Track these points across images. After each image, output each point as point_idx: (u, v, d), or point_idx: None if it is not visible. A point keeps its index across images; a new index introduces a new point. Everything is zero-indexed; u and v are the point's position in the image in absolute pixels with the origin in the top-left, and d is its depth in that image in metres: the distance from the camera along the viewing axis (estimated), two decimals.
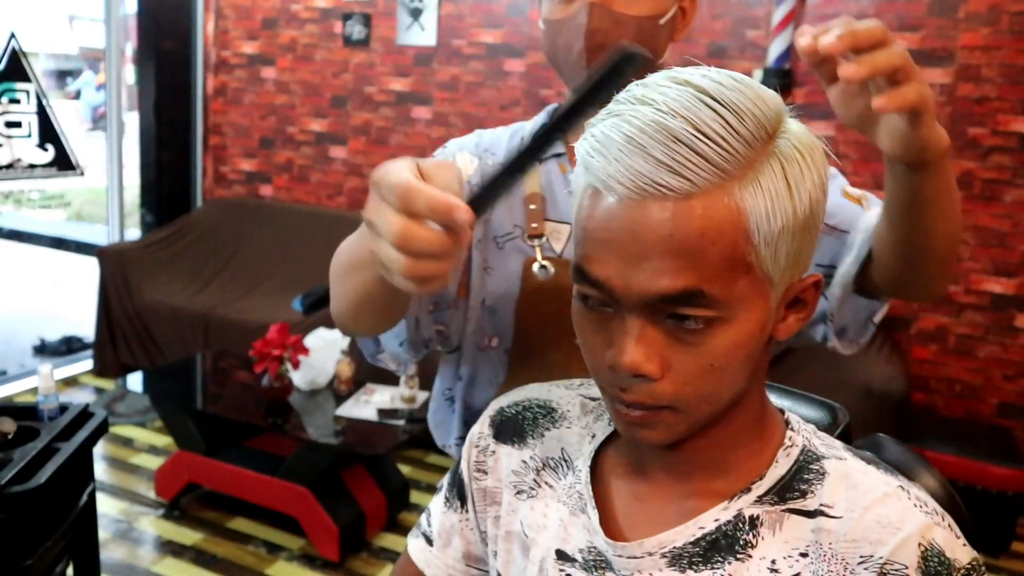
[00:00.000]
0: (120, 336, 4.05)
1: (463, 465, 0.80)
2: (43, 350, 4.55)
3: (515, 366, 1.04)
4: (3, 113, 3.47)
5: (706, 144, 0.53)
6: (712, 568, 0.62)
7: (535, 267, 0.99)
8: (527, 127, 1.09)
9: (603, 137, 0.56)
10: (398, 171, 0.55)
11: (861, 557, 0.58)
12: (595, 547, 0.67)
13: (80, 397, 3.87)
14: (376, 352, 1.02)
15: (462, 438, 1.10)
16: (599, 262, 0.57)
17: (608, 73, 0.59)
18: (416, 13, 4.16)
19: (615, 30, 0.94)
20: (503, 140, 1.07)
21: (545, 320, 1.01)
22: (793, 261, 0.58)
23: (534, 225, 1.01)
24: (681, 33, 1.03)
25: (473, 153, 1.05)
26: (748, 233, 0.55)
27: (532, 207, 1.02)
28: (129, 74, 4.86)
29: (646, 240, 0.54)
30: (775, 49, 3.41)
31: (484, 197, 0.60)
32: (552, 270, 0.99)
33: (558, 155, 1.04)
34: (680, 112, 0.54)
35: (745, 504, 0.63)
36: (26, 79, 3.53)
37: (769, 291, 0.58)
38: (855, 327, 0.96)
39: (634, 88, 0.58)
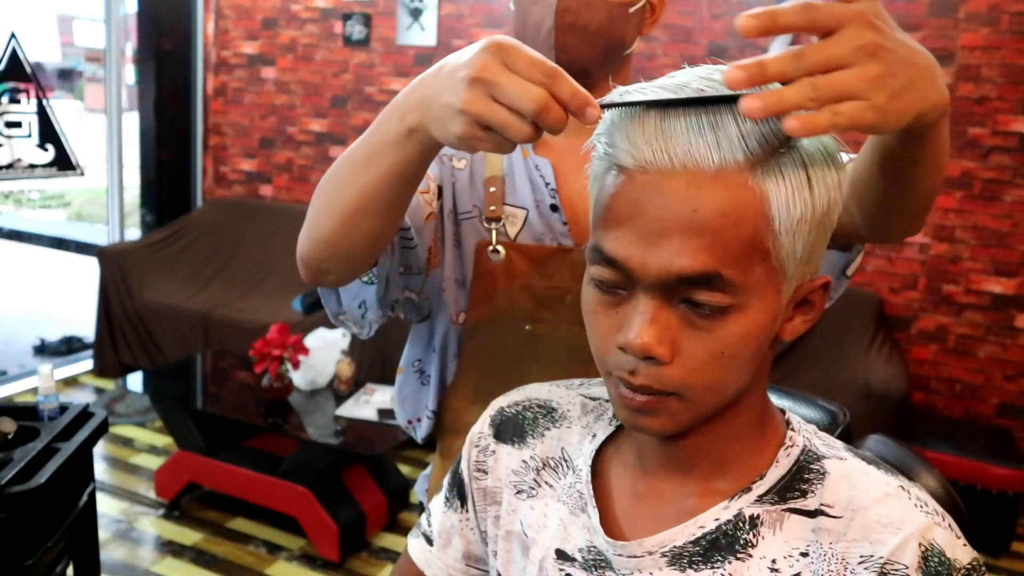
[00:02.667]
0: (120, 336, 4.05)
1: (463, 465, 0.80)
2: (43, 350, 4.56)
3: (468, 345, 1.04)
4: (3, 113, 3.47)
5: (734, 126, 0.54)
6: (712, 567, 0.62)
7: (488, 250, 1.00)
8: None
9: (632, 115, 0.57)
10: (530, 50, 0.61)
11: (861, 557, 0.58)
12: (595, 546, 0.67)
13: (80, 397, 3.87)
14: (339, 312, 0.97)
15: (435, 412, 1.10)
16: (618, 240, 0.57)
17: None
18: (416, 13, 4.16)
19: (585, 11, 0.95)
20: None
21: (495, 304, 1.01)
22: (807, 257, 0.58)
23: (492, 208, 1.01)
24: (650, 28, 1.03)
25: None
26: (768, 219, 0.55)
27: (492, 189, 1.02)
28: (129, 74, 4.86)
29: (669, 217, 0.55)
30: (775, 49, 3.41)
31: (612, 106, 0.62)
32: (503, 254, 0.99)
33: None
34: (708, 96, 0.55)
35: (745, 503, 0.63)
36: (26, 79, 3.53)
37: (782, 284, 0.58)
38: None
39: (663, 78, 0.60)
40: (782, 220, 0.56)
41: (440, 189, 1.02)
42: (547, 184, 1.02)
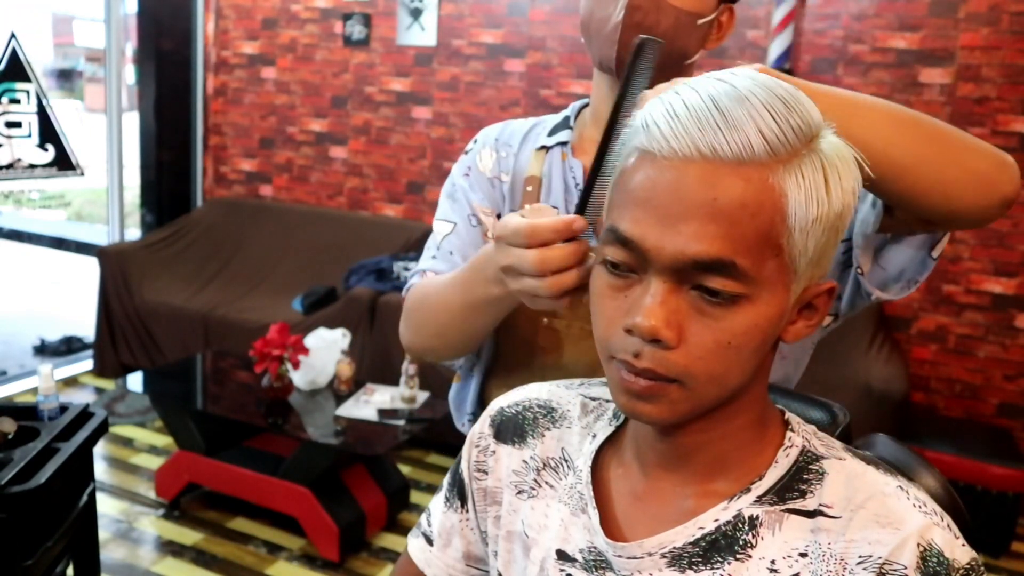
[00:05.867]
0: (120, 336, 4.05)
1: (463, 465, 0.80)
2: (43, 350, 4.56)
3: (496, 343, 1.09)
4: (3, 113, 3.47)
5: (760, 121, 0.55)
6: (712, 568, 0.62)
7: None
8: (548, 121, 1.13)
9: (660, 106, 0.58)
10: (514, 221, 0.78)
11: (860, 557, 0.58)
12: (595, 547, 0.67)
13: (80, 397, 3.87)
14: None
15: (475, 414, 1.14)
16: (635, 221, 0.58)
17: (633, 61, 0.73)
18: (416, 13, 4.16)
19: (655, 13, 0.96)
20: (522, 131, 1.12)
21: None
22: (817, 259, 0.59)
23: (526, 207, 1.04)
24: (714, 43, 1.05)
25: (493, 148, 1.12)
26: (784, 216, 0.56)
27: (528, 189, 1.07)
28: (129, 74, 4.86)
29: (688, 201, 0.55)
30: (775, 49, 3.42)
31: (584, 202, 0.77)
32: None
33: (563, 143, 1.09)
34: (738, 92, 0.56)
35: (745, 504, 0.63)
36: (26, 79, 3.53)
37: (792, 282, 0.59)
38: (913, 266, 0.91)
39: (692, 77, 0.61)
40: (798, 218, 0.56)
41: (499, 216, 1.09)
42: (577, 186, 1.05)
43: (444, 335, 1.00)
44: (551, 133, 1.10)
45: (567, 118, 1.12)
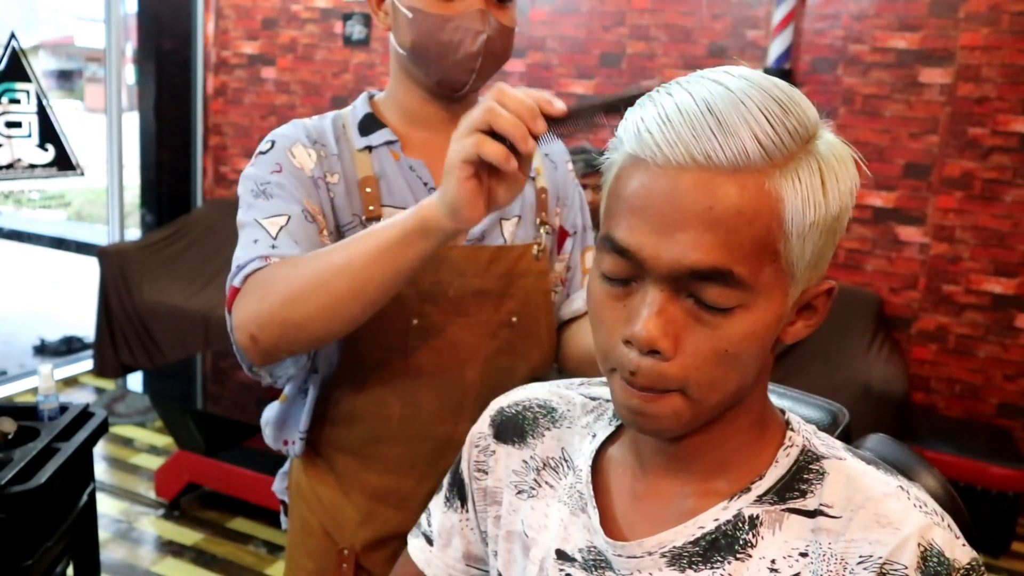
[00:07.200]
0: (120, 336, 4.04)
1: (463, 465, 0.80)
2: (43, 350, 4.56)
3: (349, 350, 1.05)
4: (3, 113, 3.47)
5: (756, 125, 0.54)
6: (712, 568, 0.62)
7: None
8: (344, 114, 1.10)
9: (653, 109, 0.57)
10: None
11: (860, 557, 0.58)
12: (595, 547, 0.67)
13: (80, 397, 3.87)
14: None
15: (310, 429, 1.13)
16: (631, 229, 0.57)
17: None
18: None
19: (499, 38, 1.03)
20: (328, 131, 1.08)
21: None
22: (815, 261, 0.58)
23: (371, 208, 1.05)
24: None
25: (307, 146, 1.05)
26: (781, 221, 0.55)
27: (368, 190, 1.05)
28: (129, 74, 4.86)
29: (685, 210, 0.55)
30: (775, 49, 3.42)
31: (574, 114, 0.77)
32: None
33: (390, 142, 1.07)
34: (732, 96, 0.55)
35: (745, 504, 0.63)
36: (26, 79, 3.53)
37: (789, 286, 0.58)
38: None
39: (685, 77, 0.60)
40: (795, 223, 0.56)
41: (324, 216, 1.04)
42: (426, 184, 1.05)
43: (373, 281, 0.86)
44: (364, 132, 1.07)
45: (371, 115, 1.08)
